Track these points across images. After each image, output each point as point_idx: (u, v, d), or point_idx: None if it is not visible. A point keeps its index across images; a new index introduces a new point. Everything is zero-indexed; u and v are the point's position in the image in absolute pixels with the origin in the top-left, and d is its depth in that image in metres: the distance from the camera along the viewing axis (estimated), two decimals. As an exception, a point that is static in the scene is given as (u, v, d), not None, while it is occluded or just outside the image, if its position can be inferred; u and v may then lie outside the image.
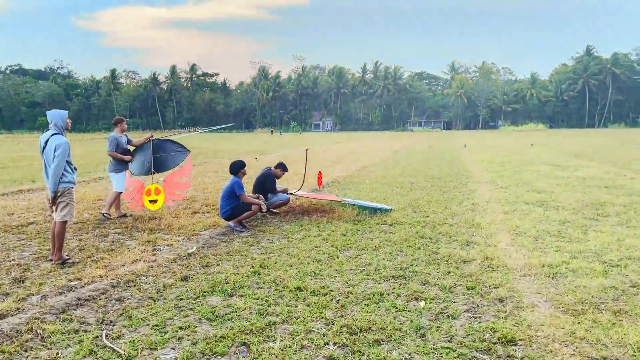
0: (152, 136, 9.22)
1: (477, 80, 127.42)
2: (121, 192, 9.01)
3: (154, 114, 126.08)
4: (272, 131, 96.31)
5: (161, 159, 9.19)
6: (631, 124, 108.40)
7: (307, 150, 9.01)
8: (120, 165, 8.96)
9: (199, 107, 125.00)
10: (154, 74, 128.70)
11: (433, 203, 9.88)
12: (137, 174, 9.25)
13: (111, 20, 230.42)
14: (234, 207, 7.86)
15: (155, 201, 8.53)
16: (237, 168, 8.01)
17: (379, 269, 5.55)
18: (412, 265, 5.71)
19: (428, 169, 16.94)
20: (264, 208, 8.01)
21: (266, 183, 8.96)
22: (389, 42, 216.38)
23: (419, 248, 6.46)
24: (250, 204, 7.90)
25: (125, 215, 9.03)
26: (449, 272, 5.39)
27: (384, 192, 11.55)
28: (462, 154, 25.60)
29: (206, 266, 5.86)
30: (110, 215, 8.96)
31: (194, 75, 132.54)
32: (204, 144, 41.68)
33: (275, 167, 9.37)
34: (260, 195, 8.44)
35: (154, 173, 9.07)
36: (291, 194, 9.44)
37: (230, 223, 7.90)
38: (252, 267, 5.73)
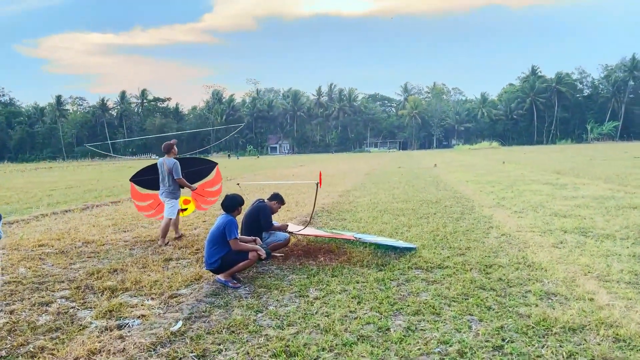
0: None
1: (429, 100, 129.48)
2: (172, 219, 8.77)
3: (103, 140, 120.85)
4: (229, 155, 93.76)
5: (187, 174, 9.13)
6: (577, 139, 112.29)
7: (317, 184, 7.22)
8: (179, 191, 8.86)
9: (150, 133, 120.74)
10: (103, 99, 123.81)
11: (458, 235, 8.25)
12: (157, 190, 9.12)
13: (55, 46, 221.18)
14: (225, 255, 5.94)
15: (184, 209, 8.54)
16: (235, 204, 6.13)
17: (464, 352, 3.79)
18: (504, 340, 3.98)
19: (418, 192, 15.43)
20: (263, 255, 6.11)
21: (261, 218, 7.09)
22: (342, 64, 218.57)
23: (492, 308, 4.75)
24: (246, 251, 6.01)
25: (182, 236, 9.01)
26: (571, 354, 3.69)
27: (389, 222, 9.85)
28: (439, 174, 24.38)
29: (203, 356, 3.93)
30: (177, 237, 8.94)
31: (144, 101, 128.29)
32: (159, 171, 39.04)
33: (270, 200, 7.53)
34: (257, 238, 6.55)
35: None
36: (291, 233, 7.59)
37: (220, 277, 5.97)
38: (274, 355, 3.85)
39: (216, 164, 9.96)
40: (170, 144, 8.54)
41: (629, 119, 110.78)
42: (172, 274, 6.46)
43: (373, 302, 5.02)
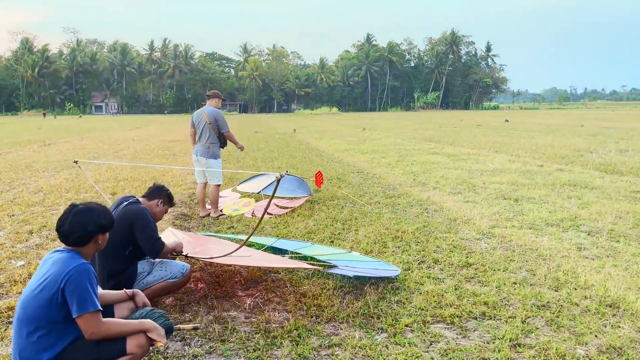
0: (287, 172, 5.45)
1: (270, 63, 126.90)
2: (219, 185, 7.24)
3: None
4: (44, 114, 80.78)
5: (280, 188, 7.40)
6: (405, 107, 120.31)
7: (279, 177, 3.68)
8: (219, 150, 7.25)
9: None
10: None
11: (428, 239, 5.62)
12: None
13: None
14: (67, 352, 2.48)
15: (237, 209, 7.10)
16: (93, 229, 2.60)
17: None
18: None
19: (309, 166, 12.72)
20: (162, 341, 2.72)
21: (139, 237, 3.66)
22: (175, 20, 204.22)
23: None
24: (121, 336, 2.60)
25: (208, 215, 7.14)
26: None
27: (312, 216, 6.92)
28: (308, 141, 21.98)
29: None
30: (225, 214, 7.19)
31: None
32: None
33: (149, 198, 4.08)
34: (138, 292, 3.10)
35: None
36: (190, 258, 4.24)
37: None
38: None
39: (310, 194, 8.36)
40: (219, 93, 7.51)
41: (449, 90, 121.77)
42: None
43: None
